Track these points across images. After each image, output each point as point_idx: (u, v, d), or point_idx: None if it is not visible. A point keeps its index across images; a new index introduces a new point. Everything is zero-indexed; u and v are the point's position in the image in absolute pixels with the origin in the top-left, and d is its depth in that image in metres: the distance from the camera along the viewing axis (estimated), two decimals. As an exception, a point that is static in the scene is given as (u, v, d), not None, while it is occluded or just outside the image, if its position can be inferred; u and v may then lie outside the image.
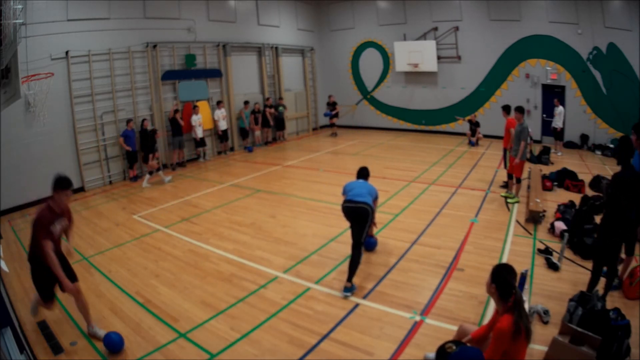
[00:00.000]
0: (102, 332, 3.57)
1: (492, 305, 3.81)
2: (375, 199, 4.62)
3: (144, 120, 9.42)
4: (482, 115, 12.95)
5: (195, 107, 10.76)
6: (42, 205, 3.47)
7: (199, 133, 10.83)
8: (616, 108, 10.73)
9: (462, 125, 13.05)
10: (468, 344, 2.76)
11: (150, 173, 8.96)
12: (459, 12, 12.84)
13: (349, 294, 4.12)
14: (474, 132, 11.99)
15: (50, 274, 3.35)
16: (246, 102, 12.36)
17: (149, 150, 9.23)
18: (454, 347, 2.66)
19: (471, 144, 11.98)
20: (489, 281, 2.54)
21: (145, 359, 3.30)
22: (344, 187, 4.67)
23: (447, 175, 8.68)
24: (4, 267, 3.89)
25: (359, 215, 4.32)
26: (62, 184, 3.46)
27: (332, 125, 14.82)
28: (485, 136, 12.52)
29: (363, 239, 4.38)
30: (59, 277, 3.35)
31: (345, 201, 4.44)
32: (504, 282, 2.46)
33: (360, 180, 4.78)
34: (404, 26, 14.09)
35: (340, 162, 10.44)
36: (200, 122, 10.80)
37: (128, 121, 9.22)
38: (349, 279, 4.18)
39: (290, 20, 14.73)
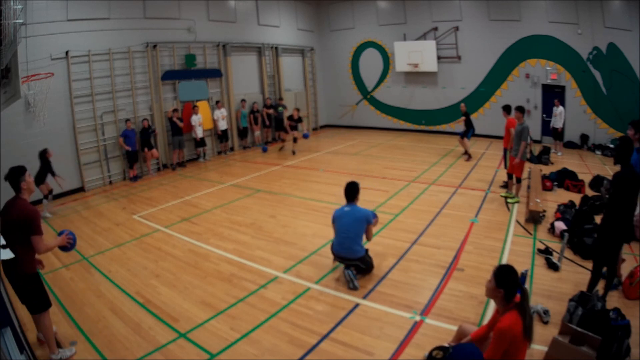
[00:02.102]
0: (70, 352, 3.32)
1: (492, 305, 3.81)
2: (369, 222, 4.38)
3: (143, 119, 9.50)
4: (482, 115, 12.95)
5: (195, 107, 10.77)
6: (25, 201, 3.11)
7: (199, 133, 10.83)
8: (616, 108, 10.73)
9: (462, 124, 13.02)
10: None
11: (46, 198, 7.19)
12: (459, 12, 12.84)
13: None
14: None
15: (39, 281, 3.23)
16: (243, 100, 12.37)
17: (145, 145, 9.52)
18: (442, 353, 2.68)
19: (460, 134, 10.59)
20: (493, 286, 2.47)
21: (145, 359, 3.30)
22: (333, 215, 4.49)
23: (447, 175, 8.68)
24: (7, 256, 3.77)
25: (351, 265, 4.40)
26: (23, 172, 3.15)
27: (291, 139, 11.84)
28: (485, 136, 12.52)
29: (369, 270, 4.49)
30: (58, 244, 3.24)
31: (335, 248, 4.45)
32: (512, 284, 2.42)
33: (348, 209, 4.39)
34: (404, 26, 14.09)
35: (340, 162, 10.43)
36: (200, 122, 10.80)
37: (126, 121, 9.24)
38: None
39: (290, 20, 14.73)
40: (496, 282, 2.46)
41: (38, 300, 3.22)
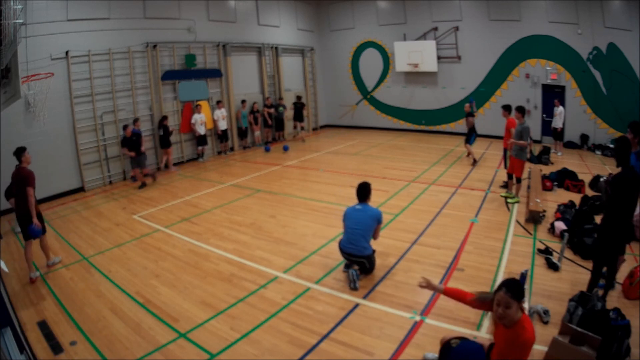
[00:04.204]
0: (57, 259, 5.21)
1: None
2: (379, 222, 4.45)
3: (164, 117, 9.84)
4: (482, 115, 12.94)
5: (197, 105, 10.88)
6: (23, 168, 4.79)
7: (202, 131, 10.91)
8: (616, 108, 10.73)
9: (462, 125, 12.98)
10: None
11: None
12: (459, 12, 12.84)
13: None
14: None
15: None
16: (243, 101, 12.38)
17: (165, 144, 9.93)
18: (459, 342, 2.68)
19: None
20: (514, 307, 2.16)
21: (145, 359, 3.30)
22: (344, 213, 4.56)
23: (447, 175, 8.68)
24: (4, 267, 3.90)
25: (357, 263, 4.43)
26: (22, 151, 4.91)
27: (300, 128, 13.62)
28: (485, 136, 12.51)
29: (370, 271, 4.48)
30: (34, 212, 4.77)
31: (342, 244, 4.46)
32: (523, 293, 2.27)
33: (360, 207, 4.48)
34: (404, 26, 14.09)
35: (340, 162, 10.43)
36: (202, 120, 10.89)
37: (135, 120, 9.23)
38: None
39: (290, 20, 14.73)
40: (514, 296, 2.18)
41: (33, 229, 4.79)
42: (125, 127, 8.68)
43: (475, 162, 9.81)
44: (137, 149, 8.69)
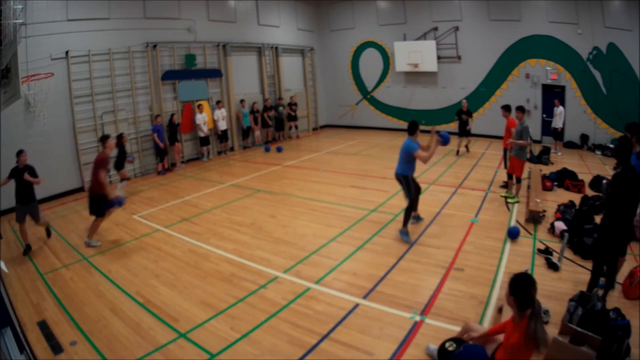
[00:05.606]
0: (97, 244, 5.70)
1: (492, 305, 3.82)
2: (410, 151, 5.27)
3: (172, 115, 10.21)
4: (482, 115, 12.95)
5: (199, 105, 10.95)
6: (102, 152, 5.68)
7: (205, 130, 10.98)
8: (616, 108, 10.73)
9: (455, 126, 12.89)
10: (470, 342, 2.74)
11: (122, 182, 8.42)
12: (459, 12, 12.84)
13: (404, 237, 5.39)
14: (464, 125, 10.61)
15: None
16: (242, 101, 12.37)
17: (174, 139, 10.38)
18: (455, 345, 2.66)
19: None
20: (507, 292, 2.42)
21: (145, 359, 3.30)
22: None
23: (447, 175, 8.68)
24: (4, 268, 3.90)
25: (398, 182, 5.50)
26: (106, 138, 5.76)
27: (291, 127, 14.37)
28: (485, 136, 12.51)
29: (407, 197, 5.46)
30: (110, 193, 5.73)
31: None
32: (523, 294, 2.35)
33: (404, 142, 5.41)
34: (404, 26, 14.10)
35: (340, 162, 10.43)
36: (205, 120, 10.96)
37: (157, 116, 9.76)
38: (404, 224, 5.43)
39: (290, 20, 14.73)
40: (509, 288, 2.41)
41: (98, 210, 5.65)
42: (19, 154, 5.45)
43: (458, 152, 10.72)
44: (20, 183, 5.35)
